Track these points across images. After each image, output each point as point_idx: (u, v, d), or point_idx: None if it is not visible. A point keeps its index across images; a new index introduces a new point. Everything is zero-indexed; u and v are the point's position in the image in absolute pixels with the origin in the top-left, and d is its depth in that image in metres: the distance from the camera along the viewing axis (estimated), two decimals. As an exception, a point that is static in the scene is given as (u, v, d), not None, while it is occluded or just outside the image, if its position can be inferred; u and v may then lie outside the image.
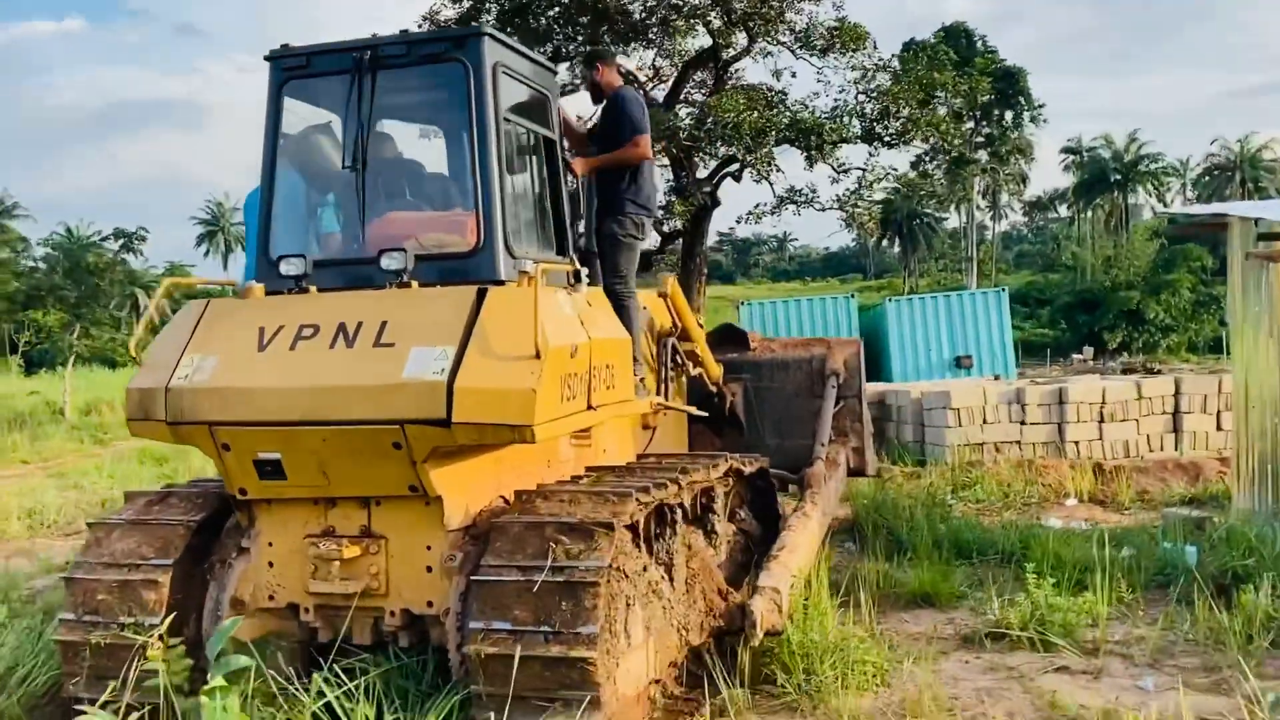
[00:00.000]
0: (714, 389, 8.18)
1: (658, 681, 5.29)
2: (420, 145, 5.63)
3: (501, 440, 4.59)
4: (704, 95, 24.80)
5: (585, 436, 6.07)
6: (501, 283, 4.97)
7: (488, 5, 24.06)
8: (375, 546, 4.90)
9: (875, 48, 24.47)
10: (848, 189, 24.75)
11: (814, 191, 24.36)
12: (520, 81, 5.42)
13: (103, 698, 4.14)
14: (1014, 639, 6.48)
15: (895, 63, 24.64)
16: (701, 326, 8.59)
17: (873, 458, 8.86)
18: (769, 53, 24.58)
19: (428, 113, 5.61)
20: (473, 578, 4.55)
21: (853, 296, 23.55)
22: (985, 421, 13.97)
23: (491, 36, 5.12)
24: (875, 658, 5.86)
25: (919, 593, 7.60)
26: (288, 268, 5.02)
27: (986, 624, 6.80)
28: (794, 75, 24.62)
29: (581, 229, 6.24)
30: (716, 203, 25.23)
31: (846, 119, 24.05)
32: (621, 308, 5.98)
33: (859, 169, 25.00)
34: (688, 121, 24.03)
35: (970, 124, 52.94)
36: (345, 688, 4.42)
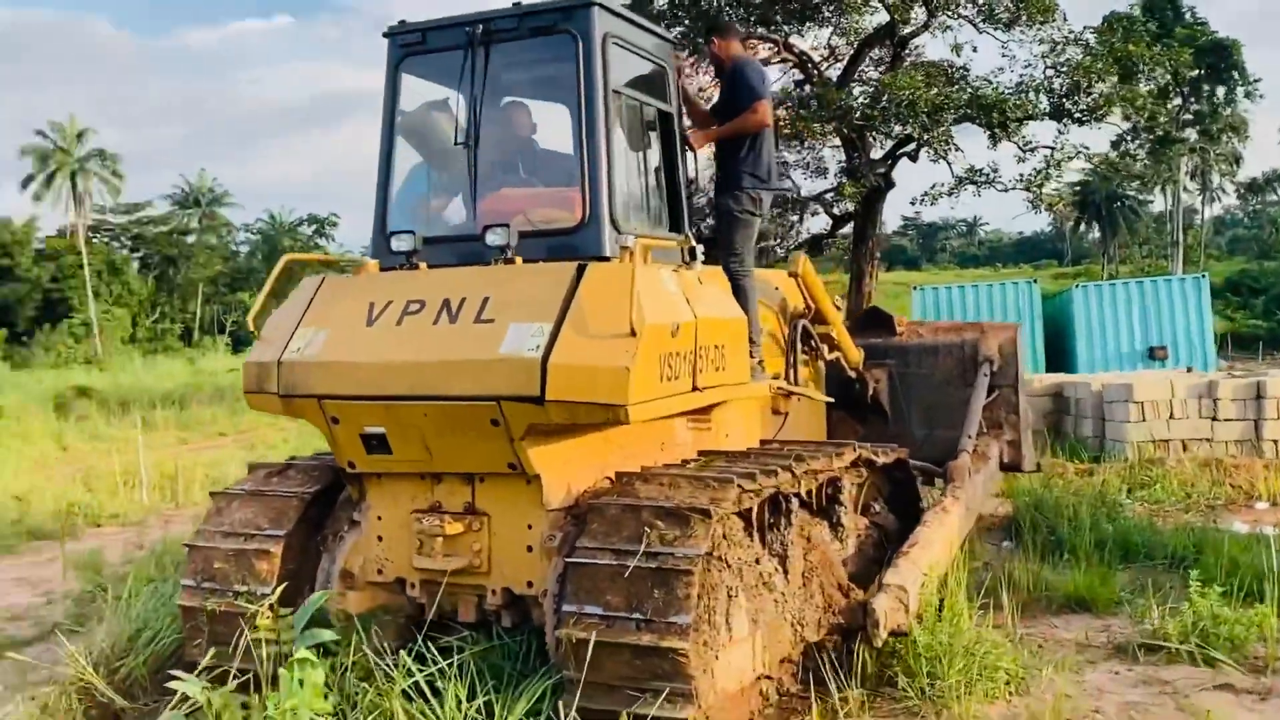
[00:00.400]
0: (853, 374, 7.84)
1: (769, 677, 5.07)
2: (541, 120, 5.54)
3: (595, 420, 4.46)
4: (881, 74, 23.99)
5: (704, 419, 5.88)
6: (606, 259, 4.83)
7: (655, -16, 23.96)
8: (478, 524, 4.86)
9: (1065, 20, 23.20)
10: (1034, 169, 23.58)
11: (995, 171, 23.28)
12: (634, 53, 5.26)
13: (202, 663, 4.21)
14: (1173, 651, 5.94)
15: (1087, 35, 23.27)
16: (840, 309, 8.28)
17: (1030, 452, 8.31)
18: (949, 27, 23.60)
19: (540, 86, 5.52)
20: (567, 560, 4.44)
21: (1034, 282, 22.35)
22: (1172, 416, 13.00)
23: (602, 7, 4.98)
24: (1010, 663, 5.46)
25: (1074, 597, 7.08)
26: (398, 244, 5.03)
27: (1144, 634, 6.27)
28: (975, 50, 23.42)
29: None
30: (891, 184, 24.41)
31: (1033, 95, 22.89)
32: (738, 287, 5.75)
33: (1047, 148, 23.79)
34: (861, 100, 23.38)
35: (1177, 100, 49.83)
36: (437, 666, 4.40)
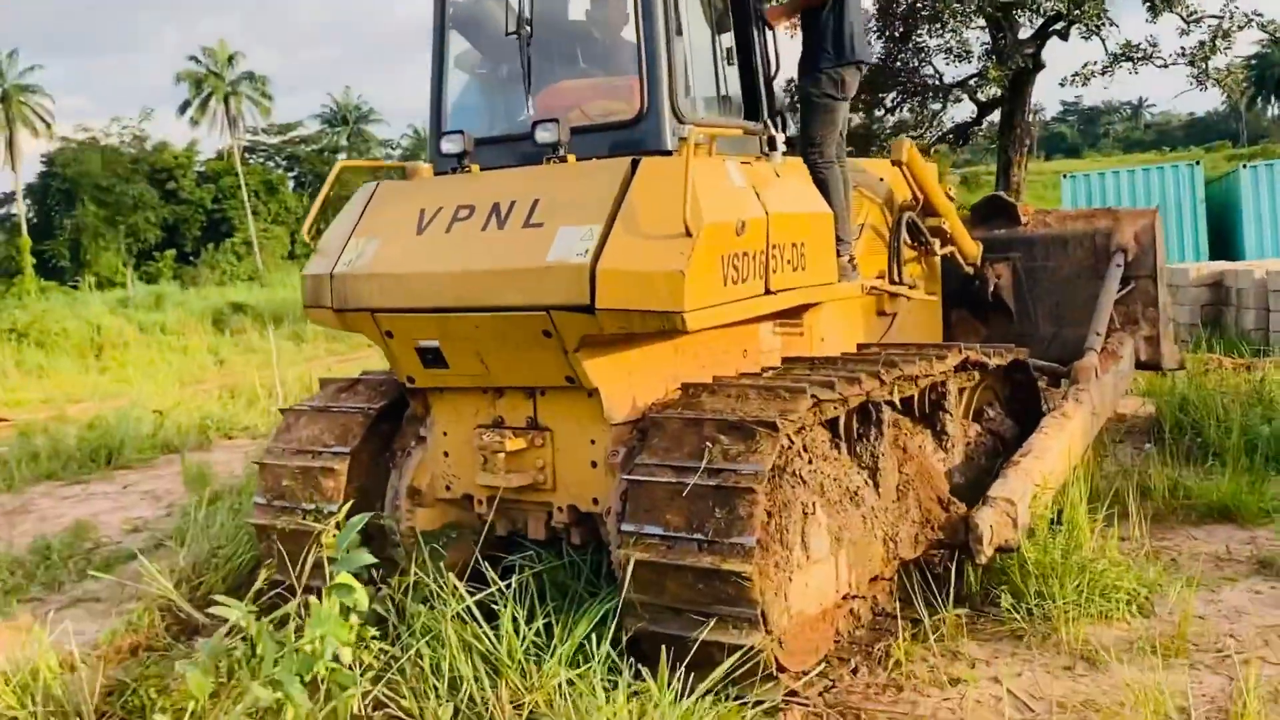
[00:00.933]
0: (970, 271, 7.25)
1: (858, 597, 4.74)
2: (599, 6, 5.12)
3: (651, 329, 4.12)
4: (1028, -56, 22.27)
5: (795, 323, 5.48)
6: (669, 153, 4.44)
7: None
8: (541, 439, 4.62)
9: None
10: (1200, 41, 21.68)
11: (1155, 46, 21.50)
12: (697, -77, 4.78)
13: (257, 584, 4.12)
14: (1327, 568, 5.34)
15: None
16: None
17: (1171, 349, 7.57)
18: (1103, -114, 21.70)
19: None
20: (626, 476, 4.16)
21: (1197, 164, 20.68)
22: (1346, 305, 11.88)
23: None
24: (1130, 581, 4.97)
25: (1217, 505, 6.46)
26: (448, 145, 4.74)
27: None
28: (1133, -90, 21.51)
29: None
30: (1040, 65, 22.85)
31: (1197, -41, 20.94)
32: (819, 180, 5.26)
33: (1214, 17, 21.81)
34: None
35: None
36: (495, 588, 4.21)
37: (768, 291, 4.57)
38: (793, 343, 5.53)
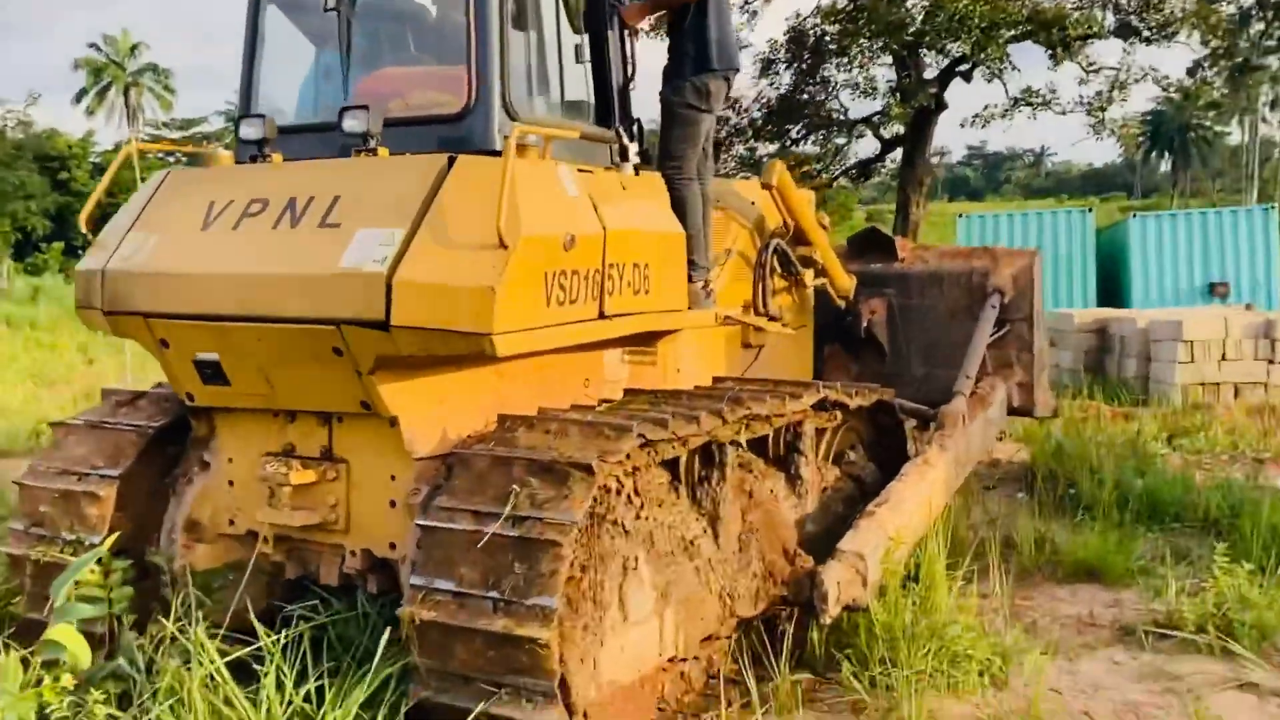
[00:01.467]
0: (842, 304, 6.88)
1: (689, 659, 4.26)
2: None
3: (456, 351, 3.60)
4: (938, -13, 22.40)
5: (647, 351, 5.02)
6: (496, 153, 3.93)
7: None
8: (334, 472, 4.05)
9: (1135, -72, 21.46)
10: (1098, 91, 22.05)
11: (1053, 93, 21.81)
12: (546, -100, 4.30)
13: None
14: (1188, 639, 5.03)
15: (1160, -55, 21.51)
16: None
17: (1046, 396, 7.30)
18: (1007, -64, 21.95)
19: None
20: (419, 522, 3.63)
21: (1089, 210, 20.90)
22: (1224, 358, 11.91)
23: None
24: (984, 650, 4.59)
25: (1084, 564, 6.16)
26: (246, 130, 4.16)
27: (1156, 615, 5.35)
28: (1034, -41, 21.85)
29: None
30: (943, 106, 23.02)
31: (1097, 11, 21.29)
32: (676, 198, 4.81)
33: (1112, 69, 22.23)
34: (916, 13, 21.93)
35: (1260, 25, 47.10)
36: (261, 642, 3.62)
37: (602, 316, 4.09)
38: (644, 373, 5.06)
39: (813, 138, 24.70)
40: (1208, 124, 62.80)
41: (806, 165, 24.33)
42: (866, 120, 24.01)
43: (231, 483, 4.32)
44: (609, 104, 4.65)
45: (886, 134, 24.26)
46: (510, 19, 4.03)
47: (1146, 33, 21.49)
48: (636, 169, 4.74)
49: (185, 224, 4.03)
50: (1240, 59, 29.65)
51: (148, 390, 4.79)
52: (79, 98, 65.22)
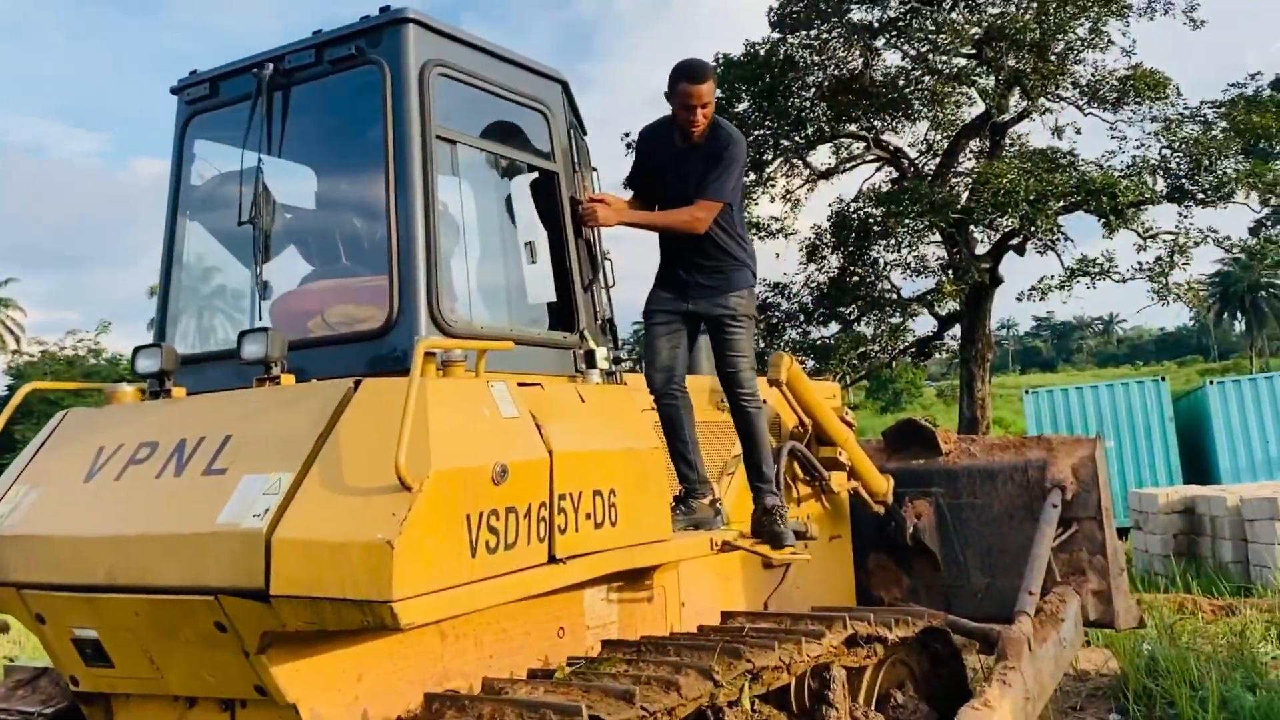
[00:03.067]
0: (880, 510, 6.07)
1: None
2: (354, 188, 4.11)
3: (351, 625, 2.89)
4: (979, 165, 22.27)
5: (641, 586, 4.28)
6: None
7: (737, 89, 22.90)
8: (236, 771, 3.30)
9: (1179, 94, 21.24)
10: (1157, 257, 21.38)
11: (1111, 261, 21.14)
12: (483, 90, 3.83)
13: None
14: None
15: (1205, 110, 21.21)
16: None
17: (1128, 603, 6.31)
18: (1049, 110, 21.84)
19: (344, 140, 4.07)
20: (311, 846, 2.85)
21: (1163, 379, 19.86)
22: (1332, 536, 10.70)
23: (420, 24, 3.58)
24: None
25: (1195, 815, 5.08)
26: (142, 363, 3.62)
27: None
28: (1078, 131, 21.68)
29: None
30: (998, 280, 22.49)
31: (1147, 177, 20.84)
32: (751, 421, 4.55)
33: (1169, 233, 21.60)
34: (961, 192, 21.70)
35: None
36: None
37: (553, 560, 3.37)
38: (638, 612, 4.31)
39: (866, 318, 24.24)
40: (1278, 282, 61.52)
41: (863, 346, 23.81)
42: (920, 299, 23.51)
43: (129, 782, 3.58)
44: (571, 306, 4.06)
45: (942, 311, 23.70)
46: (434, 217, 3.49)
47: (1201, 195, 20.94)
48: (610, 376, 4.12)
49: (69, 475, 3.44)
50: (1303, 213, 28.97)
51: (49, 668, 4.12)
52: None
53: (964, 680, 5.23)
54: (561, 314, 4.07)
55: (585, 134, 4.60)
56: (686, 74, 4.34)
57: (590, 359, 3.98)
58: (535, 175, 4.12)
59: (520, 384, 3.46)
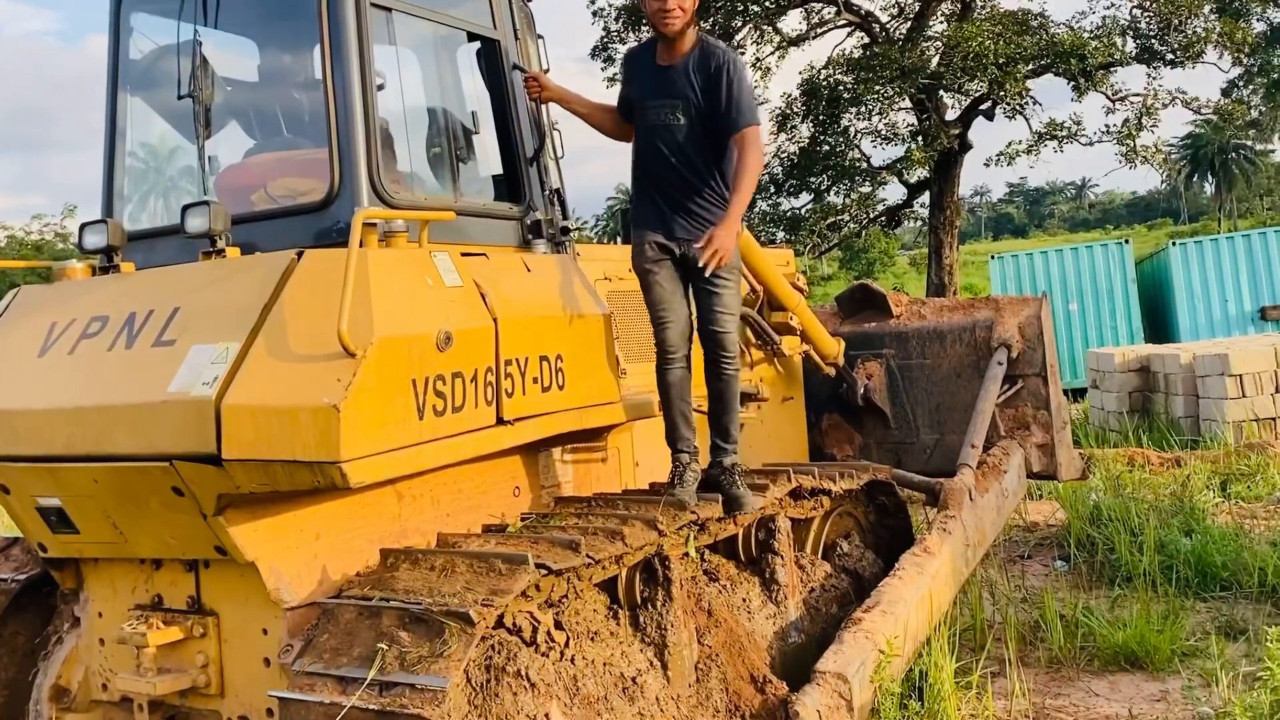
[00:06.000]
0: (831, 371, 6.23)
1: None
2: (294, 61, 4.09)
3: (303, 486, 3.02)
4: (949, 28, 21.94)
5: (595, 446, 4.43)
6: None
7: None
8: (201, 627, 3.47)
9: (1153, -49, 20.86)
10: (1125, 119, 21.31)
11: (1079, 125, 21.07)
12: (419, -46, 3.80)
13: None
14: (1246, 744, 4.26)
15: (1179, -34, 20.86)
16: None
17: (1070, 456, 6.54)
18: (1018, -30, 21.45)
19: (280, 10, 4.03)
20: (270, 692, 3.03)
21: (1126, 242, 20.02)
22: (1278, 390, 11.02)
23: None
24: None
25: (1124, 649, 5.39)
26: (89, 238, 3.67)
27: (1207, 714, 4.58)
28: (1047, -10, 21.33)
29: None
30: (967, 146, 22.40)
31: (1117, 38, 20.63)
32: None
33: (1137, 95, 21.50)
34: (932, 56, 21.43)
35: (1293, 38, 46.10)
36: None
37: (501, 421, 3.50)
38: (593, 472, 4.48)
39: (836, 188, 24.16)
40: (1249, 144, 61.40)
41: (833, 216, 23.82)
42: (889, 167, 23.41)
43: (103, 641, 3.76)
44: (518, 178, 4.10)
45: (911, 179, 23.65)
46: (373, 89, 3.51)
47: (1170, 56, 20.77)
48: (559, 246, 4.19)
49: (24, 351, 3.52)
50: (1277, 75, 28.68)
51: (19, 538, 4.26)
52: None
53: (910, 531, 5.46)
54: (509, 185, 4.11)
55: (529, 0, 4.57)
56: None
57: (537, 229, 4.04)
58: (478, 44, 4.11)
59: (464, 254, 3.54)
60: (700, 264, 3.83)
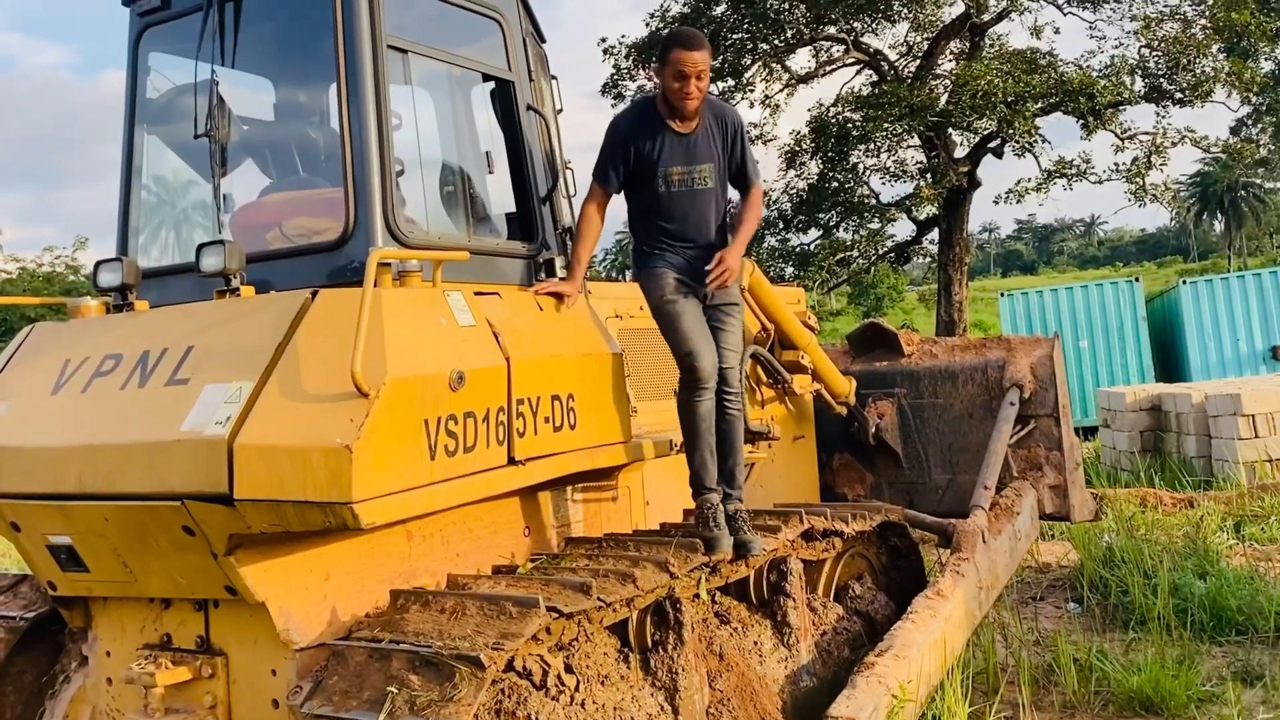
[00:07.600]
0: (843, 411, 6.21)
1: None
2: (310, 99, 4.13)
3: (314, 526, 3.01)
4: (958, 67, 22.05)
5: (605, 485, 4.42)
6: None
7: (714, -6, 22.51)
8: (210, 667, 3.44)
9: (1159, -9, 21.01)
10: (1134, 158, 21.37)
11: (1088, 163, 21.13)
12: (435, -3, 3.83)
13: None
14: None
15: (1185, 7, 20.99)
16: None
17: (1083, 497, 6.50)
18: (1028, 10, 21.59)
19: (297, 51, 4.07)
20: (281, 735, 3.01)
21: (1136, 280, 20.02)
22: (1292, 431, 10.95)
23: (368, -70, 3.57)
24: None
25: (1138, 694, 5.32)
26: (104, 276, 3.68)
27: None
28: (1057, 31, 21.42)
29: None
30: (976, 183, 22.49)
31: (1125, 77, 20.72)
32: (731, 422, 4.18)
33: (1146, 134, 21.57)
34: (941, 94, 21.54)
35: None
36: None
37: (513, 462, 3.49)
38: (603, 511, 4.46)
39: (845, 224, 24.23)
40: (1258, 182, 61.49)
41: (842, 252, 23.88)
42: (899, 203, 23.49)
43: (110, 680, 3.73)
44: (531, 215, 4.12)
45: (921, 215, 23.72)
46: (389, 128, 3.53)
47: (1179, 95, 20.85)
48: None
49: (38, 389, 3.52)
50: (1284, 112, 28.76)
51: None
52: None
53: (922, 573, 5.43)
54: (521, 224, 4.12)
55: (544, 41, 4.60)
56: (681, 42, 4.02)
57: (550, 268, 4.05)
58: (492, 85, 4.14)
59: (477, 293, 3.54)
60: (707, 280, 4.01)
